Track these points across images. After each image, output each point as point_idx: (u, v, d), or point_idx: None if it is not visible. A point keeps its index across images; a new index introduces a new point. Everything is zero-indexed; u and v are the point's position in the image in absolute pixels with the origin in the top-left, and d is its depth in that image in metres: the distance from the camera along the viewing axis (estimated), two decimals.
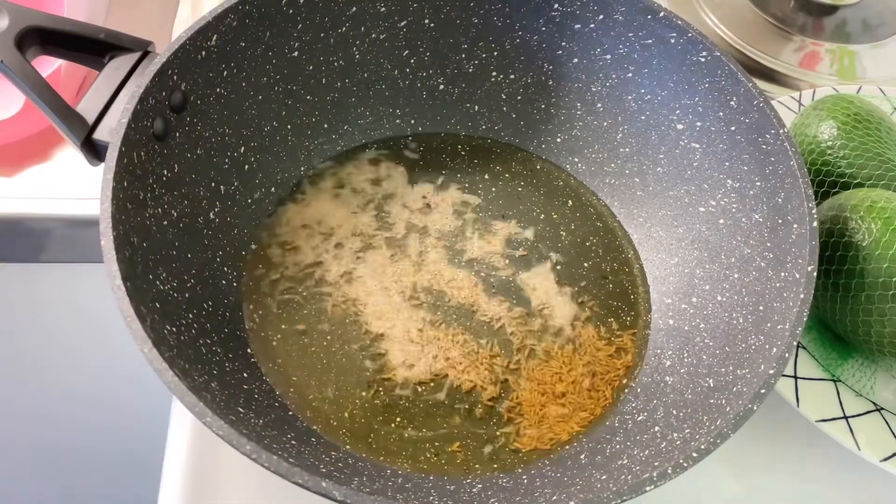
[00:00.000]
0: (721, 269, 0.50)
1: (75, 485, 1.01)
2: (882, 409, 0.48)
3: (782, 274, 0.44)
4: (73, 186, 0.58)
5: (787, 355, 0.39)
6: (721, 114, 0.50)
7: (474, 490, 0.44)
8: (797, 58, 0.69)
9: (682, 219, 0.53)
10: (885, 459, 0.45)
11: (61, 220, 0.58)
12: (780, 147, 0.46)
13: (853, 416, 0.47)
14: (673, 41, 0.51)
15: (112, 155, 0.41)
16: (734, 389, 0.41)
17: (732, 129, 0.50)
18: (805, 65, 0.69)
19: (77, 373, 0.80)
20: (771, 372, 0.39)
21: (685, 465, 0.35)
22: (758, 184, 0.48)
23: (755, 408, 0.37)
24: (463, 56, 0.58)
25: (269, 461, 0.33)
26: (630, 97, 0.55)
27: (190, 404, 0.34)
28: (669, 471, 0.35)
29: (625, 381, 0.50)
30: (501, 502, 0.42)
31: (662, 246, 0.54)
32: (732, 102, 0.49)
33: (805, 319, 0.40)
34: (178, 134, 0.47)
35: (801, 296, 0.41)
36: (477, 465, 0.46)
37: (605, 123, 0.57)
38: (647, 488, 0.34)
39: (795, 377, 0.47)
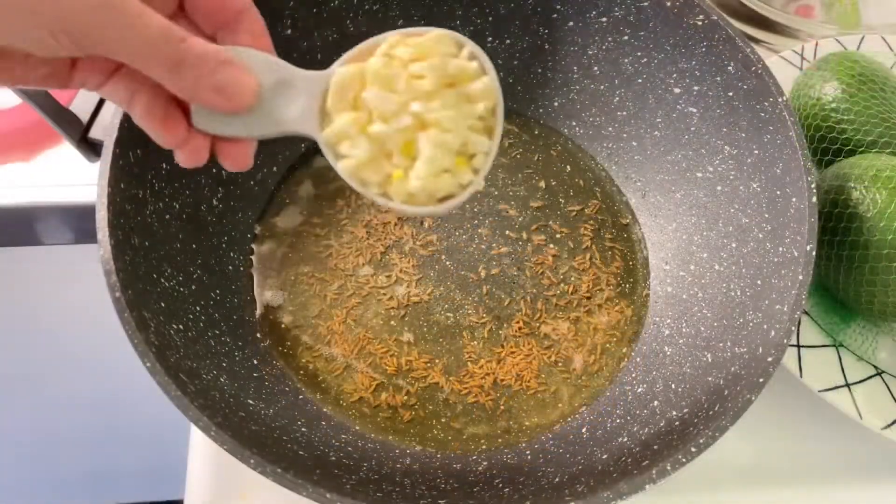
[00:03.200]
0: (719, 238, 0.50)
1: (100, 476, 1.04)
2: (883, 372, 0.48)
3: (780, 249, 0.44)
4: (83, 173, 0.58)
5: (785, 341, 0.39)
6: (718, 78, 0.49)
7: (479, 469, 0.45)
8: (795, 5, 0.67)
9: (680, 184, 0.53)
10: (887, 427, 0.46)
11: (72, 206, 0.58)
12: (778, 116, 0.45)
13: (855, 384, 0.47)
14: (669, 3, 0.50)
15: (106, 159, 0.41)
16: (732, 370, 0.42)
17: (730, 94, 0.49)
18: (803, 12, 0.67)
19: (102, 374, 0.82)
20: (769, 360, 0.39)
21: (684, 460, 0.36)
22: (755, 152, 0.48)
23: (753, 398, 0.38)
24: (458, 22, 0.57)
25: (272, 474, 0.34)
26: (626, 60, 0.54)
27: (194, 418, 0.35)
28: (669, 468, 0.36)
29: (624, 351, 0.51)
30: (506, 483, 0.43)
31: (661, 211, 0.54)
32: (730, 67, 0.48)
33: (803, 302, 0.40)
34: None
35: (800, 277, 0.41)
36: (482, 441, 0.47)
37: (602, 87, 0.56)
38: (647, 487, 0.35)
39: (798, 346, 0.48)
